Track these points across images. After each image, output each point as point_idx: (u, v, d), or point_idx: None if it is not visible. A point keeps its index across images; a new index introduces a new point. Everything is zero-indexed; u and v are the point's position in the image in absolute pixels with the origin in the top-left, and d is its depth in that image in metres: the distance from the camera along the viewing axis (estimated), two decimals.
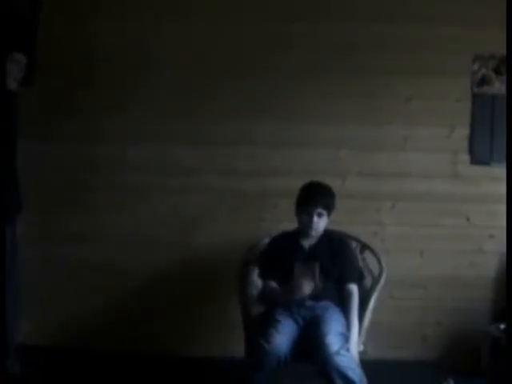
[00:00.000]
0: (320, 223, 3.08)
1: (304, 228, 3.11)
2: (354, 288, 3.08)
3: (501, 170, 3.60)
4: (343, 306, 3.04)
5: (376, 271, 3.27)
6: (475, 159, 3.75)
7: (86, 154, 3.69)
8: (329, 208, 3.09)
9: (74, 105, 3.68)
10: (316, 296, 2.99)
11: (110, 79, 3.68)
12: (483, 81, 3.73)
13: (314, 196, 3.07)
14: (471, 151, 3.75)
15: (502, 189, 3.13)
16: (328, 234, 3.18)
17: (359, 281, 3.17)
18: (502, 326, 3.34)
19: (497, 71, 3.72)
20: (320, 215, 3.07)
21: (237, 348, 3.15)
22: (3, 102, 2.97)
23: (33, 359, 3.36)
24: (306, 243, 3.14)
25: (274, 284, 3.09)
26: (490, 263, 3.74)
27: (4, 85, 2.93)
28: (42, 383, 3.24)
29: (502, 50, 3.44)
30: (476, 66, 3.72)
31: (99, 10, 3.65)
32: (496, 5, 3.53)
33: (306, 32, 3.68)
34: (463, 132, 3.74)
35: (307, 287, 2.92)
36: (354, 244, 3.39)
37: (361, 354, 2.97)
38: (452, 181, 3.75)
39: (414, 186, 3.74)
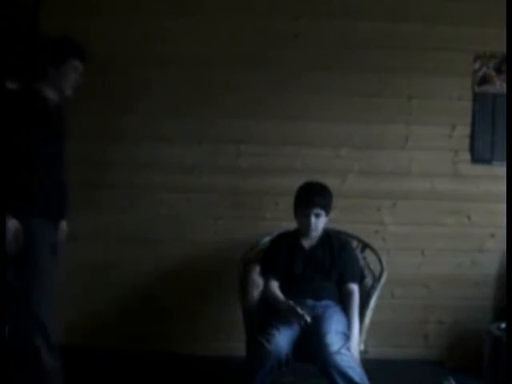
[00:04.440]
0: (318, 223, 3.08)
1: (303, 229, 3.12)
2: (354, 288, 3.08)
3: (502, 169, 3.62)
4: (344, 305, 3.04)
5: (377, 270, 3.26)
6: (476, 158, 3.75)
7: (86, 153, 3.67)
8: (326, 208, 3.09)
9: (74, 104, 3.66)
10: (317, 295, 3.00)
11: (111, 79, 3.66)
12: (484, 80, 3.72)
13: (311, 197, 3.07)
14: (472, 150, 3.75)
15: (503, 187, 3.13)
16: (328, 234, 3.18)
17: (360, 280, 3.17)
18: (503, 325, 3.34)
19: (498, 70, 3.72)
20: (318, 216, 3.07)
21: (238, 347, 3.15)
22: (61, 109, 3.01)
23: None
24: (307, 243, 3.14)
25: (276, 287, 3.07)
26: (491, 262, 3.74)
27: (63, 92, 2.93)
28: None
29: (503, 49, 3.44)
30: (477, 65, 3.72)
31: (101, 9, 3.64)
32: (497, 4, 3.53)
33: (307, 30, 3.68)
34: (464, 131, 3.74)
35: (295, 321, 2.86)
36: (354, 243, 3.39)
37: (362, 353, 2.97)
38: (453, 179, 3.75)
39: (415, 185, 3.74)
